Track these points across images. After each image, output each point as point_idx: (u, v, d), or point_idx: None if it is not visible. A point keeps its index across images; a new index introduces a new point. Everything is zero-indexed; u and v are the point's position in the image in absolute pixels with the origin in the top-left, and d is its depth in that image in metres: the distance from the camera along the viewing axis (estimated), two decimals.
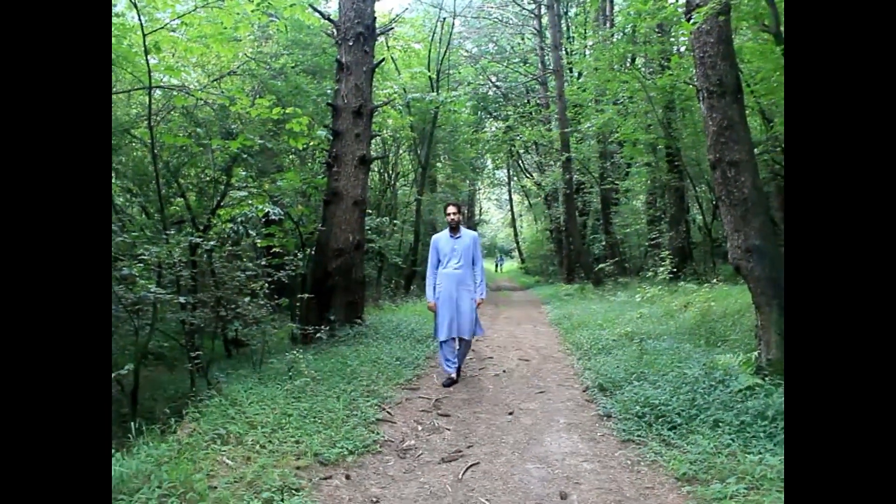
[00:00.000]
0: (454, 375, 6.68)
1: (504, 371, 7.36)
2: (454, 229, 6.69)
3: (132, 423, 4.46)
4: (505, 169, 36.83)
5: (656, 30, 14.03)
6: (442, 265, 6.71)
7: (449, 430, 5.07)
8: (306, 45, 11.95)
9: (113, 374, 4.69)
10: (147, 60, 6.45)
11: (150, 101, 6.76)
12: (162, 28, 6.74)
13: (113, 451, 3.67)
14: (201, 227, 8.03)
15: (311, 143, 11.53)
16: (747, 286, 5.48)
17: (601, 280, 17.87)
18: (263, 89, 9.69)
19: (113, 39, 6.94)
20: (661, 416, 4.71)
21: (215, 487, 3.47)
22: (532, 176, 31.54)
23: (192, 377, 6.22)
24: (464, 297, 6.61)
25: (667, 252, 14.74)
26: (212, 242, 6.78)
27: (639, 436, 4.53)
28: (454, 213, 6.62)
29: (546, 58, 23.18)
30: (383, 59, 11.55)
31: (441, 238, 6.81)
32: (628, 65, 16.76)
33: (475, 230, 42.73)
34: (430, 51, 19.42)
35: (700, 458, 3.87)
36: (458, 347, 6.86)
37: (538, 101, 25.16)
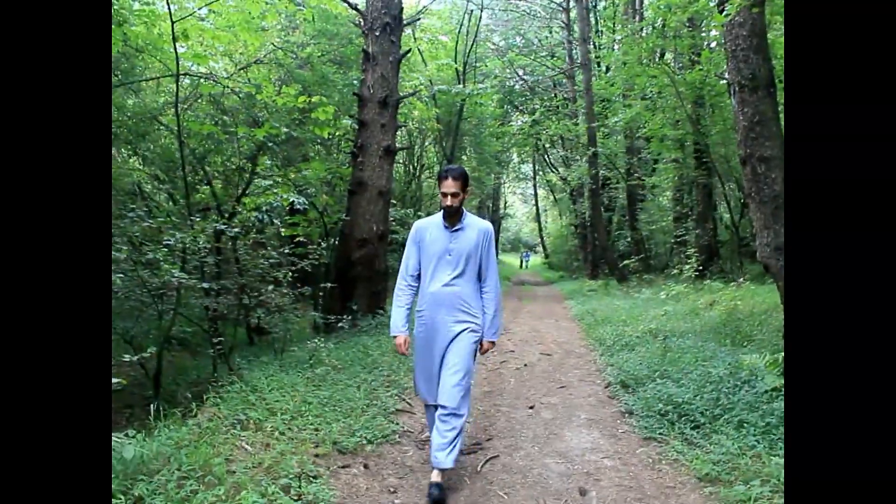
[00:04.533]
0: (437, 477, 3.63)
1: (525, 365, 7.32)
2: (451, 216, 3.80)
3: (154, 406, 4.50)
4: (531, 163, 36.69)
5: (687, 23, 13.82)
6: (424, 276, 3.87)
7: (469, 422, 5.04)
8: (333, 35, 11.95)
9: (136, 357, 4.73)
10: (175, 48, 6.48)
11: (177, 88, 6.79)
12: (190, 16, 6.76)
13: (134, 432, 3.70)
14: (226, 215, 8.07)
15: (337, 133, 11.55)
16: (776, 285, 5.38)
17: (625, 276, 17.72)
18: (290, 78, 9.71)
19: (142, 27, 7.01)
20: (684, 415, 4.64)
21: (233, 472, 3.48)
22: (558, 170, 31.39)
23: (214, 363, 6.26)
24: (459, 338, 3.75)
25: (693, 249, 14.58)
26: (236, 230, 6.81)
27: (661, 434, 4.47)
28: (452, 190, 3.71)
29: (574, 51, 22.96)
30: (409, 50, 11.52)
31: (428, 228, 3.89)
32: (657, 59, 16.55)
33: (492, 220, 39.98)
34: (456, 43, 19.34)
35: (723, 459, 3.80)
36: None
37: (565, 95, 24.97)
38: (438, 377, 3.78)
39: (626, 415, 5.09)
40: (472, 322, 3.80)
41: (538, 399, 5.76)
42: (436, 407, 3.75)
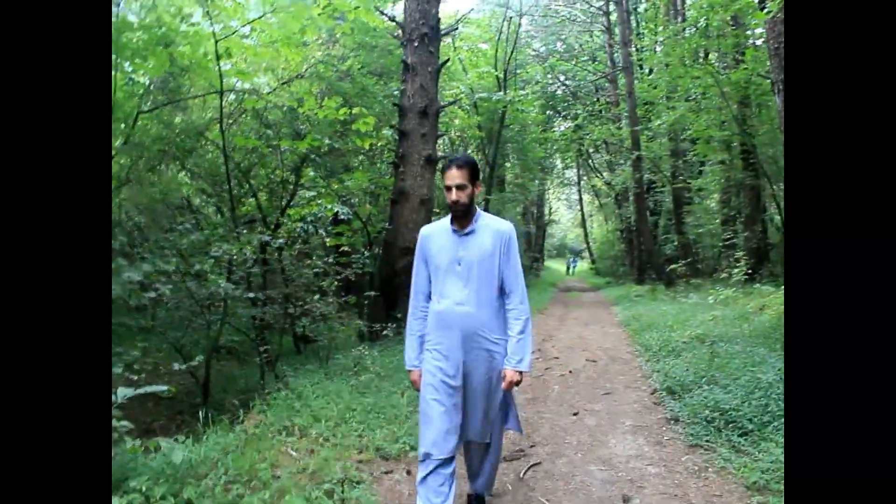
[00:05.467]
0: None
1: (570, 371, 7.27)
2: (460, 217, 3.06)
3: (203, 413, 4.63)
4: (574, 168, 36.42)
5: (730, 22, 13.57)
6: (434, 292, 3.14)
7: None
8: (372, 47, 12.11)
9: (185, 366, 4.87)
10: (219, 66, 6.67)
11: (221, 104, 6.99)
12: (233, 34, 6.95)
13: (184, 437, 3.82)
14: (272, 226, 8.25)
15: (378, 144, 11.69)
16: None
17: (673, 281, 17.41)
18: (331, 91, 9.88)
19: (188, 48, 7.22)
20: (732, 422, 4.53)
21: (279, 477, 3.56)
22: (602, 175, 31.10)
23: (261, 371, 6.39)
24: (477, 368, 3.04)
25: (742, 253, 14.23)
26: (281, 240, 6.95)
27: (707, 441, 4.39)
28: (458, 182, 2.99)
29: (615, 55, 22.80)
30: (448, 60, 11.59)
31: (433, 236, 3.16)
32: (701, 60, 16.29)
33: (537, 227, 39.64)
34: (496, 50, 19.37)
35: (772, 467, 3.70)
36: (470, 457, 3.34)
37: (607, 99, 24.78)
38: (454, 421, 3.00)
39: (672, 421, 5.01)
40: (493, 350, 3.04)
41: (582, 405, 5.72)
42: (442, 462, 2.93)
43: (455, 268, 3.03)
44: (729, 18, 13.03)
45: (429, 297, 3.17)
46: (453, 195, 2.98)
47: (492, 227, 3.07)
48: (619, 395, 6.09)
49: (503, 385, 3.04)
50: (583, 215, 42.28)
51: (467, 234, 3.05)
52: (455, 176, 2.99)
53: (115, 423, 3.09)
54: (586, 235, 43.97)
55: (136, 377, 4.18)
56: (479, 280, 3.00)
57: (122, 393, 2.86)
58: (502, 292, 3.09)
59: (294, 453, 4.02)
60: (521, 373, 3.03)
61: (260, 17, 7.19)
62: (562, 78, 26.68)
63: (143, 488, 3.00)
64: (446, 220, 3.15)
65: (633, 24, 23.63)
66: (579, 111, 25.36)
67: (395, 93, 10.64)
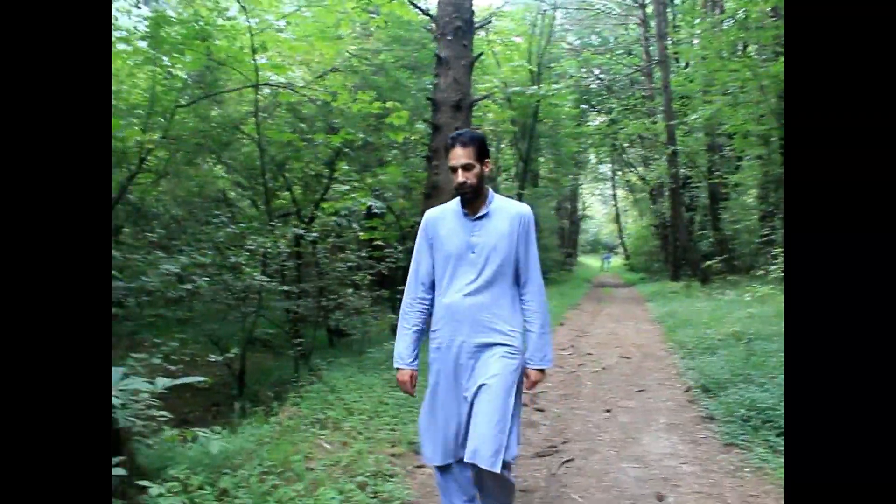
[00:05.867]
0: None
1: (603, 368, 7.20)
2: (471, 201, 2.73)
3: (239, 405, 4.70)
4: (609, 163, 36.06)
5: (770, 13, 13.27)
6: (440, 284, 2.81)
7: (545, 424, 5.01)
8: (406, 41, 12.12)
9: (221, 357, 4.94)
10: (255, 60, 6.74)
11: (256, 98, 7.06)
12: (269, 28, 7.01)
13: (220, 429, 3.87)
14: (306, 220, 8.32)
15: (412, 138, 11.70)
16: None
17: (708, 277, 17.15)
18: (365, 85, 9.91)
19: (224, 41, 7.31)
20: (769, 421, 4.44)
21: (312, 469, 3.59)
22: (637, 170, 30.74)
23: (295, 364, 6.45)
24: (488, 365, 2.65)
25: (779, 249, 13.96)
26: (315, 234, 6.99)
27: (743, 440, 4.31)
28: (463, 161, 2.64)
29: (651, 48, 22.44)
30: (482, 53, 11.54)
31: (442, 219, 2.82)
32: (739, 52, 15.97)
33: (570, 222, 39.23)
34: (530, 44, 19.25)
35: None
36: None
37: (643, 93, 24.42)
38: (465, 427, 2.67)
39: (707, 420, 4.93)
40: (507, 343, 2.67)
41: (615, 402, 5.66)
42: (450, 466, 2.75)
43: (468, 255, 2.69)
44: (769, 10, 12.73)
45: (430, 288, 2.84)
46: (459, 176, 2.64)
47: (508, 210, 2.75)
48: (653, 392, 6.01)
49: (525, 385, 2.77)
50: (617, 211, 41.87)
51: (481, 219, 2.72)
52: (460, 155, 2.64)
53: (154, 412, 3.14)
54: (620, 231, 43.54)
55: (174, 367, 4.25)
56: (495, 268, 2.68)
57: (160, 383, 2.90)
58: (517, 281, 2.79)
59: (328, 446, 4.05)
60: (542, 371, 2.79)
61: (295, 11, 7.24)
62: (596, 72, 26.38)
63: (182, 477, 3.05)
64: (454, 204, 2.81)
65: (670, 16, 23.23)
66: (614, 105, 25.03)
67: (429, 86, 10.62)
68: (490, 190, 2.77)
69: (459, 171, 2.64)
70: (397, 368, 2.82)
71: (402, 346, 2.81)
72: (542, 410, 5.39)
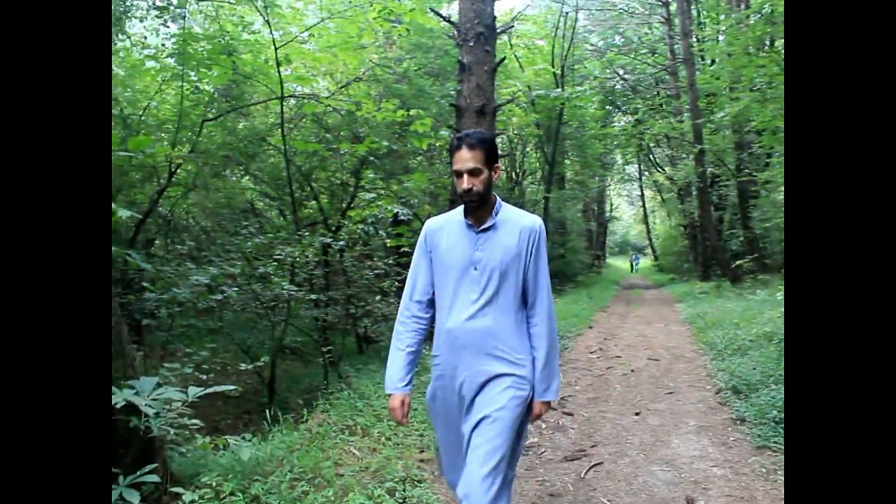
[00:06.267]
0: None
1: (632, 370, 7.16)
2: (476, 210, 2.43)
3: (269, 412, 4.76)
4: (635, 164, 35.77)
5: None
6: (441, 304, 2.51)
7: (573, 428, 5.00)
8: (428, 48, 12.17)
9: (252, 366, 5.01)
10: (279, 72, 6.84)
11: (282, 109, 7.16)
12: (292, 41, 7.12)
13: (251, 436, 3.94)
14: (333, 228, 8.40)
15: (436, 144, 11.75)
16: None
17: (739, 277, 16.92)
18: (388, 93, 9.99)
19: (249, 55, 7.44)
20: None
21: (342, 475, 3.63)
22: (664, 170, 30.44)
23: (324, 371, 6.52)
24: (493, 397, 2.36)
25: None
26: (342, 242, 7.07)
27: (775, 443, 4.25)
28: (470, 165, 2.33)
29: (675, 46, 22.24)
30: (504, 58, 11.55)
31: (443, 230, 2.53)
32: (766, 48, 15.75)
33: (598, 223, 39.03)
34: (553, 47, 19.19)
35: None
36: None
37: (668, 92, 24.22)
38: (459, 457, 2.45)
39: (738, 422, 4.88)
40: (515, 373, 2.39)
41: (645, 405, 5.62)
42: None
43: (471, 271, 2.40)
44: None
45: (428, 305, 2.56)
46: (465, 182, 2.33)
47: (517, 223, 2.45)
48: (683, 394, 5.96)
49: (531, 419, 2.50)
50: (645, 211, 41.48)
51: (486, 231, 2.42)
52: (466, 158, 2.33)
53: (186, 420, 3.21)
54: (648, 232, 43.15)
55: (205, 377, 4.33)
56: (500, 287, 2.39)
57: (192, 391, 2.96)
58: (524, 302, 2.48)
59: (357, 452, 4.09)
60: (548, 403, 2.51)
61: (318, 24, 7.33)
62: (620, 72, 26.20)
63: (214, 484, 3.11)
64: (457, 213, 2.52)
65: (694, 13, 23.02)
66: (639, 105, 24.86)
67: (452, 93, 10.67)
68: (498, 198, 2.48)
69: (465, 176, 2.33)
70: (389, 395, 2.53)
71: (394, 369, 2.53)
72: (570, 414, 5.38)
